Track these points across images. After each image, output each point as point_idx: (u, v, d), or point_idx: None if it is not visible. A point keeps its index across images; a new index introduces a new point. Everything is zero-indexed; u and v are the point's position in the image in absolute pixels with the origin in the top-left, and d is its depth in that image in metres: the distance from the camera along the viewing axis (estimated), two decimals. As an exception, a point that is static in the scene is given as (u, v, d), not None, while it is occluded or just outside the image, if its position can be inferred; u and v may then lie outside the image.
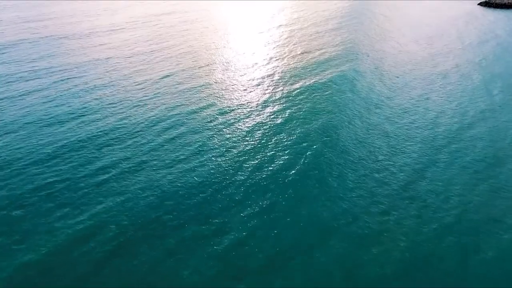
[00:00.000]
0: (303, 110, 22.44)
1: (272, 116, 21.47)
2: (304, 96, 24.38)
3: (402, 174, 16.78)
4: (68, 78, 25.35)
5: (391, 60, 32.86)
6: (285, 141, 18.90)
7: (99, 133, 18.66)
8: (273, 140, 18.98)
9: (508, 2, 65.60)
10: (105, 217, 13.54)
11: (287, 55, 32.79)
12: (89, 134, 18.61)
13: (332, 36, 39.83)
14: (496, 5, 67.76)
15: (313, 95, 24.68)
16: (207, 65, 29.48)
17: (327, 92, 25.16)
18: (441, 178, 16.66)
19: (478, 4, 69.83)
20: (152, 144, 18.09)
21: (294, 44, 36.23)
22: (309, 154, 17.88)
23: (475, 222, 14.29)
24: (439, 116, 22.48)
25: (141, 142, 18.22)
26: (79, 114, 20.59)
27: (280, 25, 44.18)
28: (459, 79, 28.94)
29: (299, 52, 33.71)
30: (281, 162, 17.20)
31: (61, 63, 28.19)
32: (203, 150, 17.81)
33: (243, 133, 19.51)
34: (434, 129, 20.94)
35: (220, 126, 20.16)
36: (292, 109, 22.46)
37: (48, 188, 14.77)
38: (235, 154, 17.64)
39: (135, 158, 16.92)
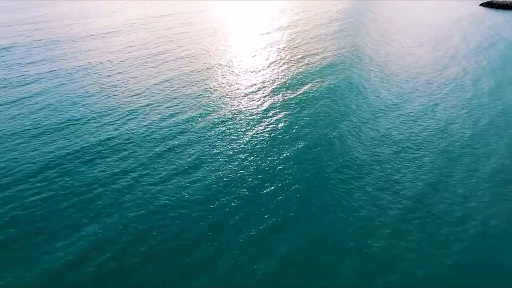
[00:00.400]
0: (305, 119, 21.34)
1: (272, 126, 20.36)
2: (306, 104, 23.28)
3: (412, 190, 15.68)
4: (58, 85, 24.20)
5: (396, 64, 31.80)
6: (285, 153, 17.79)
7: (89, 145, 17.51)
8: (273, 152, 17.87)
9: (511, 3, 64.62)
10: (93, 240, 12.42)
11: (288, 60, 31.71)
12: (78, 146, 17.46)
13: (334, 38, 38.77)
14: (498, 5, 66.80)
15: (315, 102, 23.58)
16: (205, 70, 28.37)
17: (330, 99, 24.08)
18: (455, 194, 15.57)
19: (480, 4, 68.89)
20: (144, 157, 16.95)
21: (295, 48, 35.16)
22: (310, 167, 16.77)
23: (495, 243, 13.20)
24: (449, 124, 21.40)
25: (133, 155, 17.08)
26: (69, 124, 19.46)
27: (281, 28, 43.12)
28: (467, 84, 27.88)
29: (300, 56, 32.63)
30: (281, 177, 16.09)
31: (52, 68, 27.05)
32: (199, 164, 16.68)
33: (241, 145, 18.39)
34: (444, 138, 19.86)
35: (217, 136, 19.05)
36: (292, 118, 21.35)
37: (31, 207, 13.63)
38: (232, 168, 16.52)
39: (126, 173, 15.78)
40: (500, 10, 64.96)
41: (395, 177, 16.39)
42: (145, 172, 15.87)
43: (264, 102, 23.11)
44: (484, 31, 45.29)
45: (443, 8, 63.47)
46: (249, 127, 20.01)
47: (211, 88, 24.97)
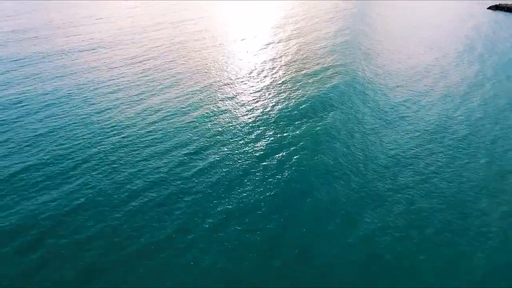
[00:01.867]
0: (312, 149, 17.60)
1: (274, 170, 16.48)
2: (314, 131, 19.50)
3: (447, 256, 12.09)
4: (24, 115, 20.07)
5: (418, 82, 28.28)
6: (291, 191, 14.18)
7: (54, 198, 13.47)
8: (278, 192, 14.24)
9: (521, 6, 61.75)
10: None
11: (292, 78, 27.95)
12: (39, 201, 13.49)
13: (342, 50, 35.14)
14: (507, 8, 63.83)
15: (327, 129, 19.82)
16: (196, 91, 24.41)
17: (343, 129, 20.39)
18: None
19: (488, 7, 65.87)
20: (123, 218, 13.02)
21: (298, 63, 31.47)
22: (325, 218, 13.11)
23: None
24: (487, 159, 18.00)
25: (111, 217, 13.15)
26: (34, 168, 15.48)
27: (282, 39, 39.40)
28: (503, 103, 24.53)
29: (305, 74, 28.94)
30: (292, 225, 12.40)
31: (18, 91, 22.84)
32: (189, 223, 12.86)
33: (236, 198, 14.48)
34: (479, 173, 16.39)
35: (209, 183, 15.11)
36: (299, 157, 17.51)
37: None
38: (229, 227, 12.72)
39: (92, 240, 11.87)
40: (510, 13, 62.03)
41: (436, 239, 12.80)
42: (127, 236, 12.03)
43: (265, 136, 19.30)
44: (504, 37, 42.17)
45: (450, 10, 60.46)
46: (246, 168, 16.18)
47: (202, 116, 20.97)
